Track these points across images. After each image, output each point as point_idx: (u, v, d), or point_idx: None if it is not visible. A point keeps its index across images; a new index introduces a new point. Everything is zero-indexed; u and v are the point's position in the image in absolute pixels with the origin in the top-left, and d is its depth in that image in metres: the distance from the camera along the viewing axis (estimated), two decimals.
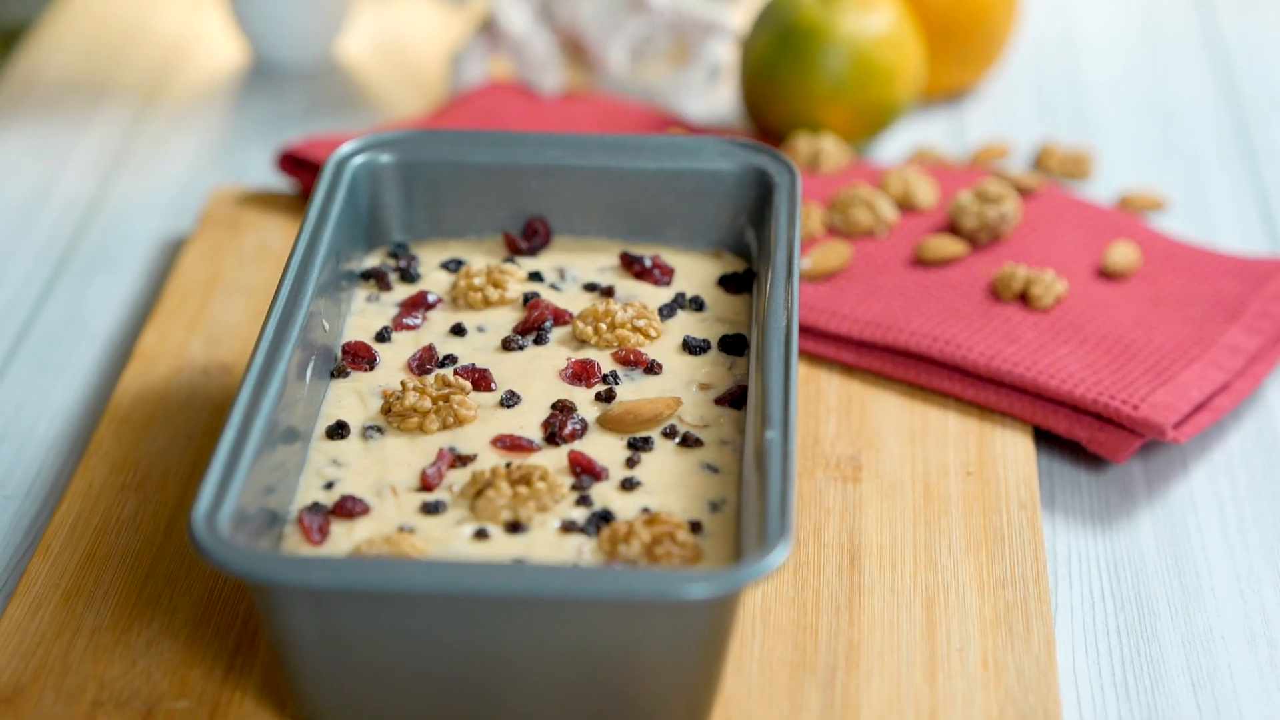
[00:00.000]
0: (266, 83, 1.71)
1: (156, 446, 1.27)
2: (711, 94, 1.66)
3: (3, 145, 1.63)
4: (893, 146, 1.62)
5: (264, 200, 1.51)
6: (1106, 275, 1.39)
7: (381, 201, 1.29)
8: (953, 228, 1.42)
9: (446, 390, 1.15)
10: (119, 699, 1.09)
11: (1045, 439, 1.31)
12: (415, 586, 0.98)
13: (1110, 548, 1.23)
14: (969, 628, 1.14)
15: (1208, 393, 1.29)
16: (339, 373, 1.19)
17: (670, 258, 1.29)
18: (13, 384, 1.36)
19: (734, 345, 1.21)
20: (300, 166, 1.50)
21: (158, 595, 1.16)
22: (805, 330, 1.35)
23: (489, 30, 1.63)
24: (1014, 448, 1.27)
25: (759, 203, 1.28)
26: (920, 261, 1.40)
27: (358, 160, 1.28)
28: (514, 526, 1.08)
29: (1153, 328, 1.34)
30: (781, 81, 1.55)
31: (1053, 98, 1.70)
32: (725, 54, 1.64)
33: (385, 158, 1.29)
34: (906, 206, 1.45)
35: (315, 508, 1.09)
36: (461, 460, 1.13)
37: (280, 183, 1.56)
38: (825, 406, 1.30)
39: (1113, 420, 1.27)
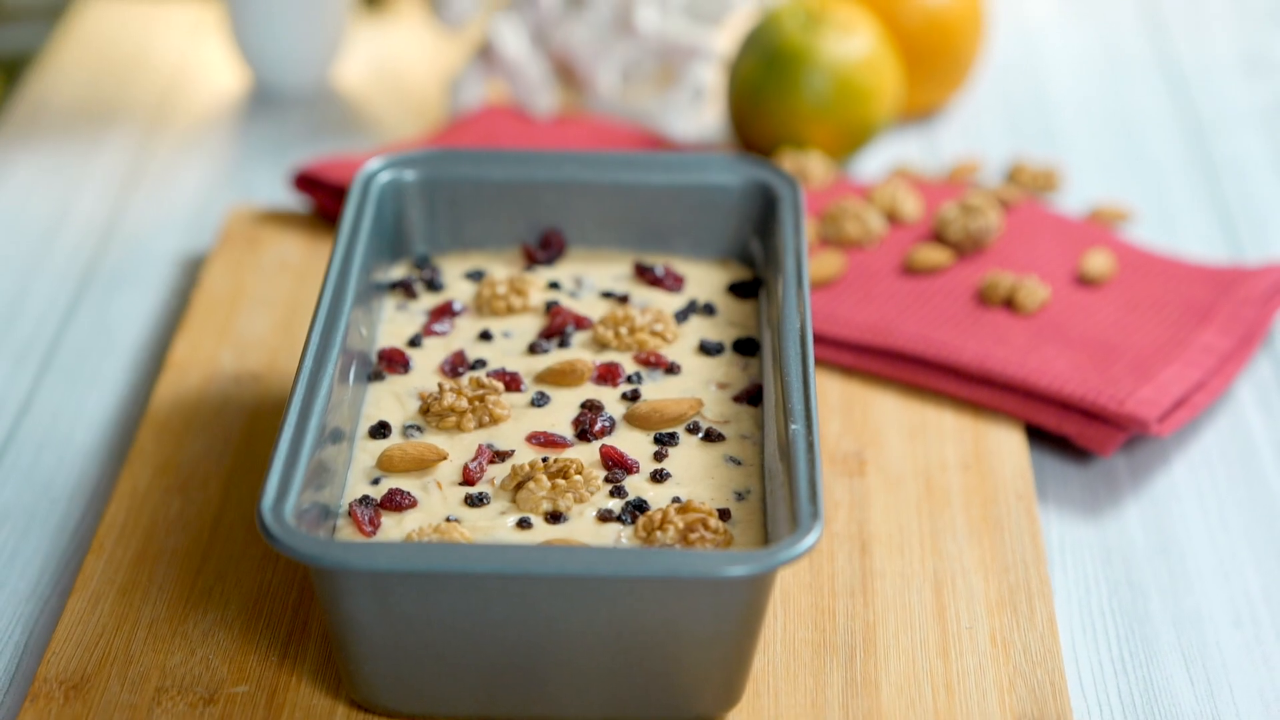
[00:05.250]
0: (268, 107, 1.77)
1: (195, 451, 1.33)
2: (696, 115, 1.73)
3: (17, 170, 1.68)
4: (873, 163, 1.70)
5: (279, 218, 1.57)
6: (1084, 282, 1.47)
7: (405, 216, 1.36)
8: (938, 238, 1.50)
9: (481, 391, 1.22)
10: (181, 685, 1.15)
11: (1034, 435, 1.38)
12: (480, 568, 1.05)
13: (1101, 535, 1.31)
14: (976, 609, 1.21)
15: (1186, 389, 1.37)
16: (376, 376, 1.26)
17: (680, 266, 1.36)
18: (48, 395, 1.42)
19: (747, 347, 1.28)
20: (314, 186, 1.57)
21: (209, 589, 1.22)
22: None
23: (485, 55, 1.70)
24: (1007, 443, 1.35)
25: (762, 214, 1.35)
26: (910, 270, 1.48)
27: (383, 178, 1.35)
28: (554, 516, 1.15)
29: (1131, 330, 1.42)
30: (767, 102, 1.62)
31: (1019, 116, 1.78)
32: (709, 76, 1.72)
33: (409, 175, 1.35)
34: (893, 218, 1.53)
35: (365, 501, 1.16)
36: (500, 456, 1.20)
37: (293, 201, 1.62)
38: (828, 406, 1.38)
39: (1100, 416, 1.35)
